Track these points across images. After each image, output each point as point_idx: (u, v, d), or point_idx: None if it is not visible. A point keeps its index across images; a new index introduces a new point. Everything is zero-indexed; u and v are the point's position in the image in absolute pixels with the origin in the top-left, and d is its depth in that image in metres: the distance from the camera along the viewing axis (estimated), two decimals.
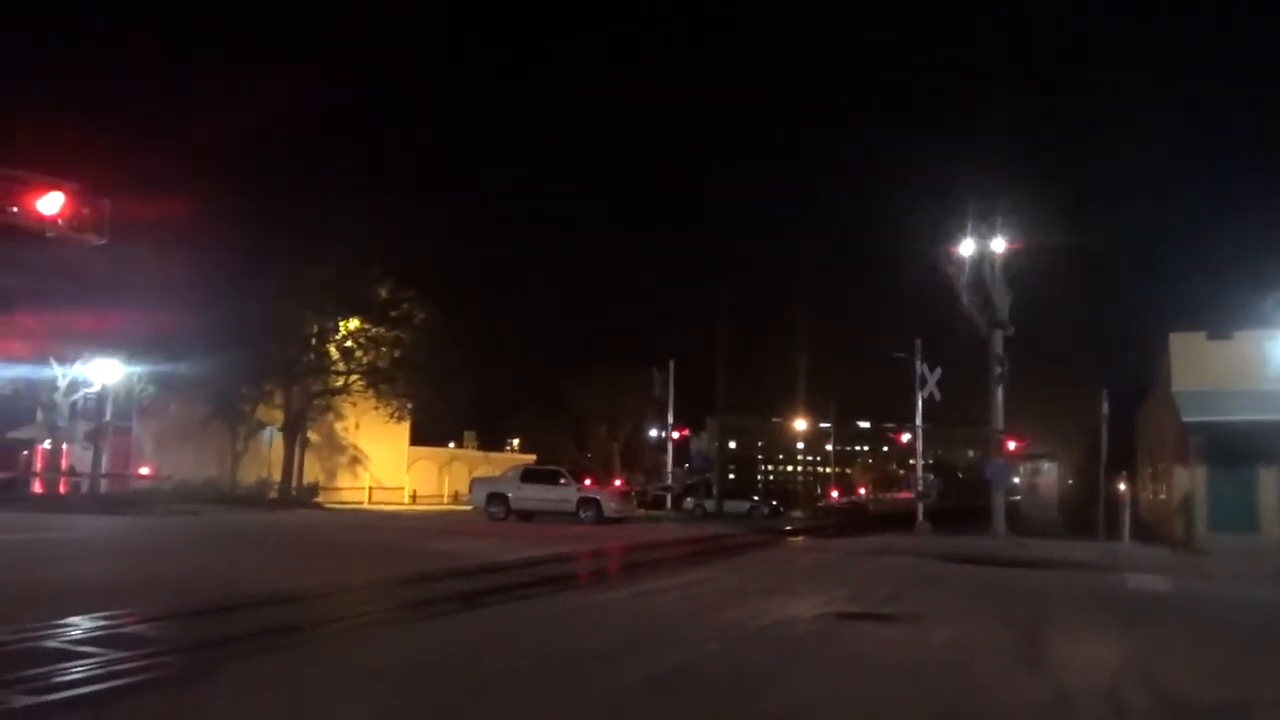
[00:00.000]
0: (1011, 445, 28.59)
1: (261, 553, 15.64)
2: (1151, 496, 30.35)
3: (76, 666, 6.05)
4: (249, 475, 35.14)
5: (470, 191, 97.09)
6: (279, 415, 35.57)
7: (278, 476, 34.83)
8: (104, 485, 30.17)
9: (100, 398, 30.62)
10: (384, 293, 36.46)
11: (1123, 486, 24.84)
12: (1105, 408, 23.90)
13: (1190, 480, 21.92)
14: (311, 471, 38.57)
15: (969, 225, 24.18)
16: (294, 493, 34.58)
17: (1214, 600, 12.74)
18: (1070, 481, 55.83)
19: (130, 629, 7.61)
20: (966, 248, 24.31)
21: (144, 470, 33.36)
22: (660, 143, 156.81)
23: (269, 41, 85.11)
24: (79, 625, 7.49)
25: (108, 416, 31.02)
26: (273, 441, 35.27)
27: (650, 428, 48.45)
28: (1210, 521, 21.17)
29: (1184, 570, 16.30)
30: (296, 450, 35.62)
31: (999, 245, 25.11)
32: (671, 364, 41.52)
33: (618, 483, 39.34)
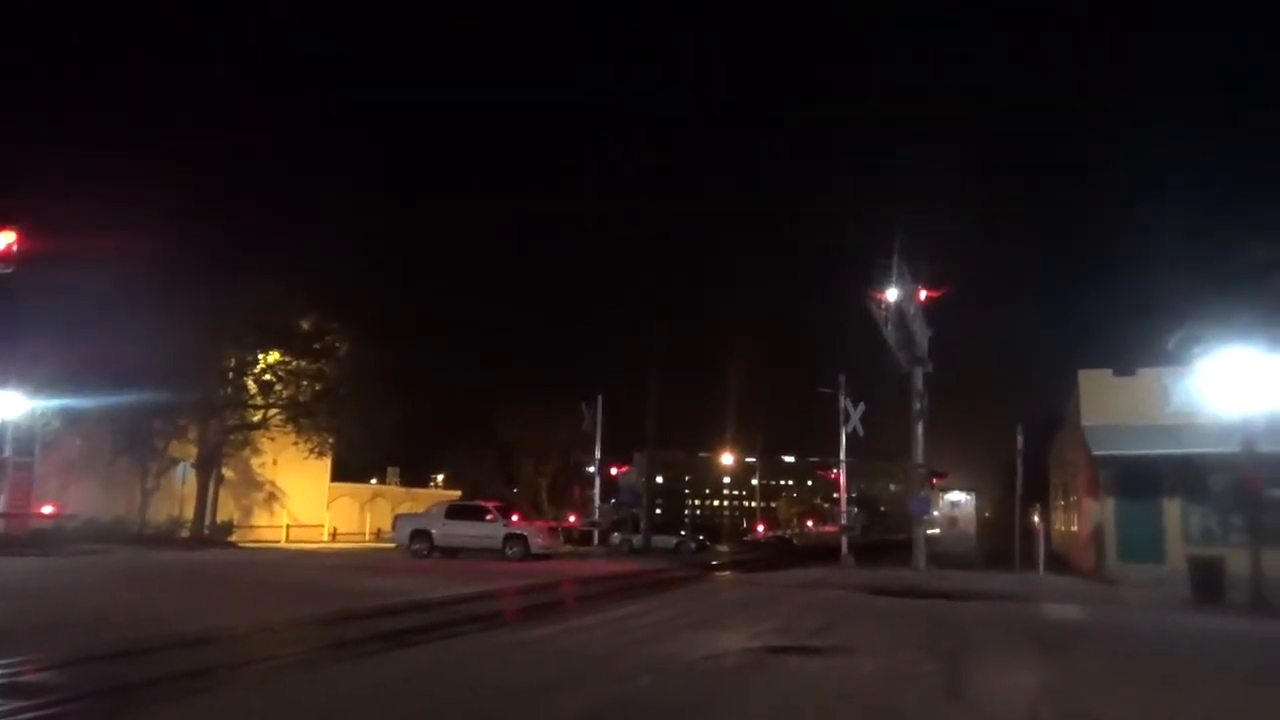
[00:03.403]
0: (933, 479, 29.29)
1: (174, 592, 14.98)
2: (1064, 528, 31.36)
3: None
4: (160, 513, 33.73)
5: (400, 223, 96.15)
6: (193, 450, 34.32)
7: (190, 514, 33.52)
8: (2, 525, 28.52)
9: None
10: (306, 324, 35.57)
11: (1037, 518, 25.62)
12: (1020, 442, 24.70)
13: (1101, 512, 22.76)
14: (226, 509, 37.19)
15: (892, 266, 24.88)
16: (207, 531, 33.31)
17: (1126, 629, 13.20)
18: (987, 514, 57.43)
19: (29, 676, 7.21)
20: (889, 288, 24.99)
21: (46, 509, 31.68)
22: (592, 182, 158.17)
23: (189, 70, 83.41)
24: None
25: (7, 452, 29.39)
26: (186, 478, 33.94)
27: (578, 462, 48.13)
28: (1119, 552, 21.97)
29: (1097, 600, 16.87)
30: (211, 487, 34.37)
31: (920, 286, 25.92)
32: (600, 398, 41.21)
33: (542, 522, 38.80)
